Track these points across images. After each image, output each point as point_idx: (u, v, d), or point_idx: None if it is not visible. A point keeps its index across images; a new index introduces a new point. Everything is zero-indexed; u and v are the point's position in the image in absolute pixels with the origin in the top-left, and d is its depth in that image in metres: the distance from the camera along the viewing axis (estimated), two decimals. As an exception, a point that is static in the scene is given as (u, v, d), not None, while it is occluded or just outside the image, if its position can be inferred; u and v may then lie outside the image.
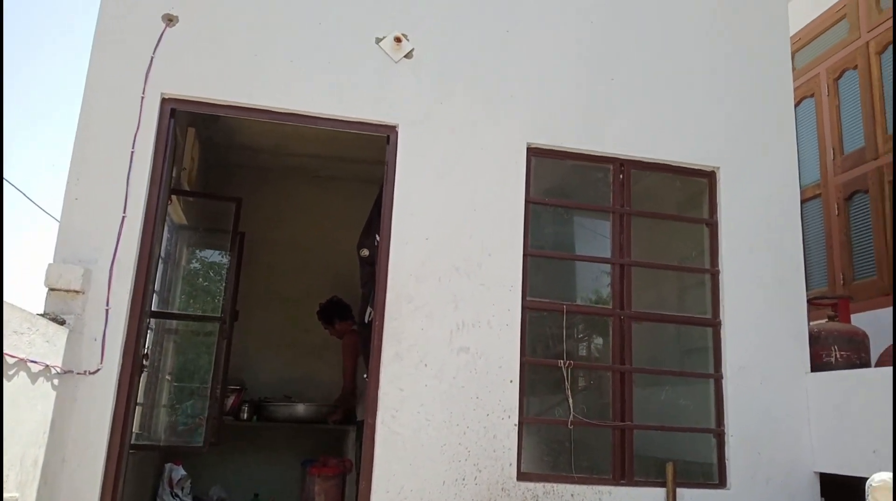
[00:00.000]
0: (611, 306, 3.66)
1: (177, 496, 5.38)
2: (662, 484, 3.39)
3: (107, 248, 3.19)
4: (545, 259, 3.74)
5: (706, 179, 3.92)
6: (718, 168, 3.90)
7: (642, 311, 3.69)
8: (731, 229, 3.83)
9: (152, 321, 4.66)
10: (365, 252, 4.13)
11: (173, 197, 4.77)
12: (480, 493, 3.24)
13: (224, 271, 4.91)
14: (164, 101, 3.41)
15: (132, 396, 3.17)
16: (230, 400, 5.81)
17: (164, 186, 3.48)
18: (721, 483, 3.52)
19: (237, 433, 5.87)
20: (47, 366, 2.82)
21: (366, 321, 4.06)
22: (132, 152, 3.30)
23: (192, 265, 6.00)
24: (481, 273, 3.48)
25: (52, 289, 3.09)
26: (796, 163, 4.04)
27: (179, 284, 5.65)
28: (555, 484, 3.32)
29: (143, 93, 3.35)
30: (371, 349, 3.37)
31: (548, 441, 3.48)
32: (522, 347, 3.45)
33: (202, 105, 3.49)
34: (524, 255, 3.57)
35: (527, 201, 3.64)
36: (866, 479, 3.16)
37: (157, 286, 5.15)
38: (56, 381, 2.95)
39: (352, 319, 5.16)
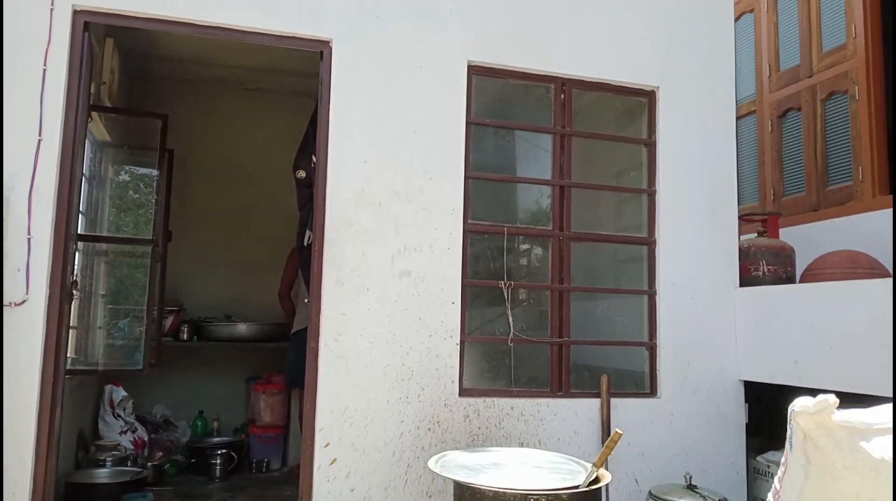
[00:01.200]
0: (550, 228, 3.69)
1: (119, 416, 5.36)
2: (597, 395, 3.55)
3: (24, 174, 3.00)
4: (486, 181, 3.72)
5: (646, 99, 3.92)
6: (658, 88, 3.89)
7: (581, 232, 3.74)
8: (668, 148, 3.87)
9: (81, 244, 4.49)
10: (301, 174, 4.01)
11: (94, 114, 4.50)
12: (424, 410, 3.32)
13: (153, 191, 4.71)
14: (76, 13, 3.14)
15: (63, 324, 3.07)
16: (168, 321, 5.74)
17: (81, 104, 3.26)
18: (652, 392, 3.70)
19: (178, 354, 5.83)
20: (-31, 301, 2.70)
21: (304, 243, 4.00)
22: (44, 70, 3.07)
23: (119, 185, 5.75)
24: (423, 198, 3.44)
25: (-33, 219, 2.92)
26: (734, 83, 4.07)
27: (107, 205, 5.43)
28: (495, 399, 3.43)
29: (52, 4, 3.08)
30: (311, 274, 3.33)
31: (489, 358, 3.57)
32: (464, 269, 3.47)
33: (118, 17, 3.23)
34: (466, 178, 3.54)
35: (468, 122, 3.57)
36: (787, 387, 3.39)
37: (83, 208, 4.94)
38: (-20, 316, 2.84)
39: None
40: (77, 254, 4.52)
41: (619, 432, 2.42)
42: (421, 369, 3.34)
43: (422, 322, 3.37)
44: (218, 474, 5.18)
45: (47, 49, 3.07)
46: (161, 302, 5.46)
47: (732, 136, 4.01)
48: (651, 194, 3.85)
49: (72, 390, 4.43)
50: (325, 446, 3.18)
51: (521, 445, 3.40)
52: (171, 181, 5.53)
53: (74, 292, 3.53)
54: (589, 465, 2.68)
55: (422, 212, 3.43)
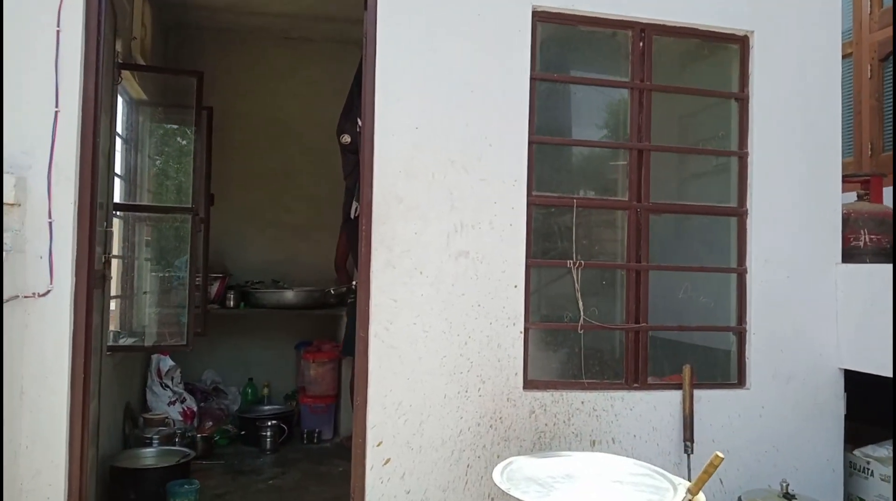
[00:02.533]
0: (627, 198, 3.25)
1: (167, 386, 5.23)
2: (678, 387, 3.17)
3: (41, 150, 2.71)
4: (553, 147, 3.29)
5: (737, 46, 3.39)
6: (752, 33, 3.36)
7: (661, 202, 3.29)
8: (762, 103, 3.35)
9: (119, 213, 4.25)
10: (346, 139, 3.64)
11: (125, 73, 4.19)
12: (485, 405, 3.00)
13: (191, 154, 4.41)
14: (89, -35, 2.79)
15: (92, 312, 2.81)
16: (214, 288, 5.54)
17: (103, 67, 2.94)
18: (740, 382, 3.30)
19: (225, 321, 5.65)
20: (-14, 296, 2.45)
21: (352, 216, 3.66)
22: (58, 31, 2.73)
23: (158, 146, 5.49)
24: (481, 167, 3.04)
25: (-19, 204, 2.66)
26: (839, 25, 3.49)
27: (146, 168, 5.17)
28: (564, 392, 3.09)
29: (62, -45, 2.73)
30: (359, 254, 3.00)
31: (556, 347, 3.21)
32: (528, 248, 3.09)
33: (139, -32, 2.87)
34: (529, 143, 3.12)
35: (532, 78, 3.12)
36: (892, 378, 2.95)
37: (121, 171, 4.69)
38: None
39: None
40: (116, 223, 4.31)
41: (720, 456, 2.05)
42: (481, 360, 3.01)
43: (481, 308, 3.01)
44: (268, 446, 5.04)
45: (60, 7, 2.73)
46: (206, 269, 5.24)
47: (837, 87, 3.46)
48: (742, 157, 3.36)
49: (116, 364, 4.28)
50: (378, 445, 2.90)
51: (593, 443, 3.06)
52: (211, 140, 5.23)
53: (107, 273, 3.29)
54: (678, 481, 2.33)
55: (480, 183, 3.04)
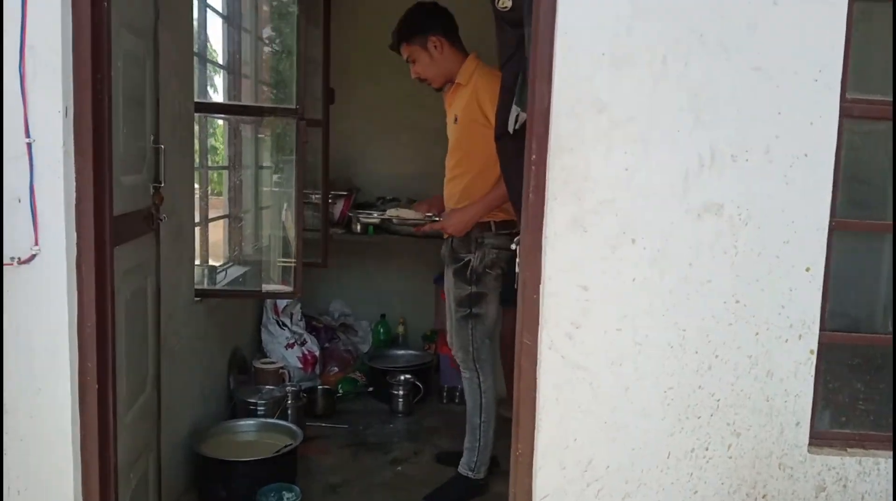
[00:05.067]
0: None
1: (284, 325, 4.38)
2: None
3: (10, 24, 1.65)
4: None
5: None
6: None
7: None
8: None
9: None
10: (506, 2, 2.28)
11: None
12: (739, 473, 1.73)
13: (294, 38, 3.24)
14: None
15: (106, 283, 1.79)
16: (338, 208, 4.51)
17: None
18: None
19: (354, 246, 4.65)
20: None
21: (510, 127, 2.32)
22: None
23: (273, 23, 4.40)
24: (753, 45, 1.63)
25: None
26: None
27: (257, 54, 4.12)
28: (881, 458, 1.74)
29: None
30: (523, 202, 1.74)
31: (867, 379, 1.84)
32: (833, 200, 1.69)
33: None
34: (850, 2, 1.65)
35: None
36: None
37: (224, 60, 3.67)
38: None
39: None
40: (221, 125, 3.31)
41: None
42: (735, 396, 1.71)
43: (740, 306, 1.69)
44: (401, 407, 4.08)
45: None
46: (325, 185, 4.21)
47: None
48: None
49: (212, 308, 3.41)
50: (548, 526, 1.75)
51: (934, 555, 1.73)
52: (329, 21, 4.05)
53: (161, 216, 2.27)
54: None
55: (751, 76, 1.64)
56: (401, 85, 4.72)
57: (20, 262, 1.68)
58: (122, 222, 1.90)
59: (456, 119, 2.94)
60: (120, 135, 1.91)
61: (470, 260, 2.89)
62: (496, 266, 2.91)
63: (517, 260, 1.87)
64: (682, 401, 1.72)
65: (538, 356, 1.70)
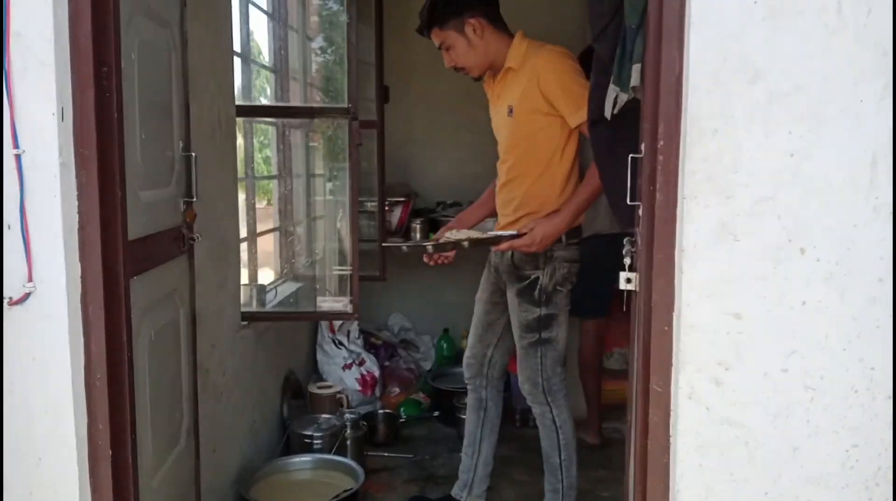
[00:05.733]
0: None
1: (341, 344, 4.04)
2: None
3: (-12, 9, 1.32)
4: None
5: None
6: None
7: None
8: None
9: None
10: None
11: None
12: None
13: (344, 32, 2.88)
14: None
15: (121, 323, 1.44)
16: (395, 216, 4.15)
17: None
18: None
19: (410, 258, 4.28)
20: None
21: (609, 113, 1.88)
22: None
23: (321, 24, 4.09)
24: None
25: None
26: None
27: (306, 54, 3.80)
28: None
29: None
30: (644, 204, 1.32)
31: None
32: None
33: None
34: None
35: None
36: None
37: (270, 61, 3.36)
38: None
39: None
40: (271, 132, 2.98)
41: None
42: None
43: (959, 337, 1.24)
44: (470, 432, 3.69)
45: None
46: (382, 191, 3.85)
47: None
48: None
49: (260, 334, 3.08)
50: None
51: None
52: (381, 15, 3.70)
53: (194, 235, 1.92)
54: None
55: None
56: (460, 80, 4.29)
57: (11, 302, 1.34)
58: (141, 246, 1.55)
59: (511, 111, 2.43)
60: (136, 142, 1.57)
61: (538, 278, 2.46)
62: (567, 282, 2.49)
63: (631, 279, 1.46)
64: (871, 464, 1.27)
65: (674, 409, 1.28)
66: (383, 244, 2.93)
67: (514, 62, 2.39)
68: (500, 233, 2.48)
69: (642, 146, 1.37)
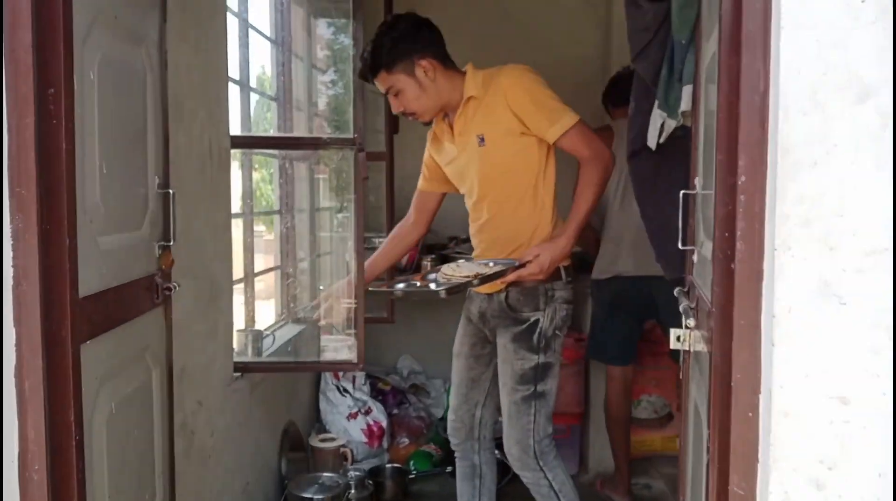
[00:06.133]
0: None
1: (345, 392, 3.75)
2: None
3: None
4: None
5: None
6: None
7: None
8: None
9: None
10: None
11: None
12: None
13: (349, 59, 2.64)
14: None
15: (67, 399, 1.16)
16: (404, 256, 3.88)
17: None
18: None
19: (419, 296, 4.02)
20: None
21: (655, 142, 1.60)
22: None
23: (327, 49, 3.89)
24: None
25: None
26: None
27: (311, 82, 3.59)
28: None
29: None
30: (715, 255, 1.05)
31: None
32: None
33: None
34: None
35: None
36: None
37: (275, 90, 3.15)
38: None
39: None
40: (275, 164, 2.72)
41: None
42: None
43: None
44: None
45: None
46: (390, 226, 3.60)
47: None
48: None
49: (255, 384, 2.81)
50: None
51: None
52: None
53: (162, 280, 1.66)
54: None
55: None
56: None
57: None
58: (98, 303, 1.29)
59: (482, 140, 2.18)
60: (96, 177, 1.31)
61: (538, 320, 2.18)
62: (565, 326, 2.23)
63: (681, 338, 1.19)
64: None
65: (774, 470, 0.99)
66: (369, 288, 2.56)
67: (475, 91, 2.17)
68: (503, 262, 2.19)
69: (702, 181, 1.11)
